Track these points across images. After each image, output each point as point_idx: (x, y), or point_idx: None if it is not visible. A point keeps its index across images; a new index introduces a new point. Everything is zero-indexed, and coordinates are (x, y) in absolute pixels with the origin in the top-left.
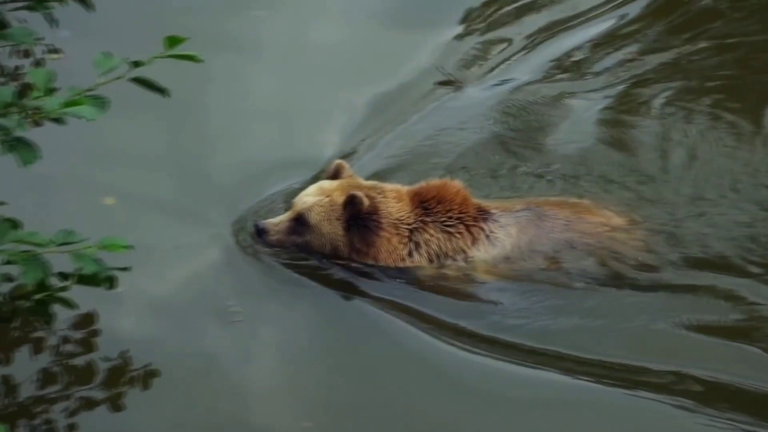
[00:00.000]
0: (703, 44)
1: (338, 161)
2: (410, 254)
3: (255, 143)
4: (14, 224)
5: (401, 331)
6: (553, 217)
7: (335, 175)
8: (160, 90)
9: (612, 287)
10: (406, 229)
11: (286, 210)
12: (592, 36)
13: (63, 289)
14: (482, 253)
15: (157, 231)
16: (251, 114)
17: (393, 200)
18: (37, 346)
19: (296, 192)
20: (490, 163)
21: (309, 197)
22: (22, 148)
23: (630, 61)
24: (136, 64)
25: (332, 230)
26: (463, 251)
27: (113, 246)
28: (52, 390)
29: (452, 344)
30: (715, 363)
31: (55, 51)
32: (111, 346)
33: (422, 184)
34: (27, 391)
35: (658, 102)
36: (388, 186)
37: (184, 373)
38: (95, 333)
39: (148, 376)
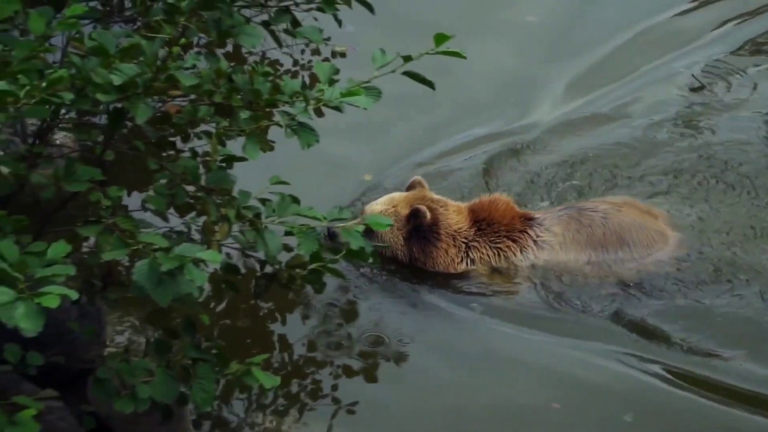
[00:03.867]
0: None
1: (416, 177)
2: (466, 266)
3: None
4: (295, 200)
5: None
6: (592, 209)
7: (410, 188)
8: (428, 83)
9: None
10: (463, 243)
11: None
12: None
13: (334, 261)
14: (532, 258)
15: None
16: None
17: (453, 213)
18: (307, 309)
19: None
20: None
21: (377, 206)
22: (304, 132)
23: None
24: (407, 59)
25: (394, 239)
26: (514, 262)
27: (378, 224)
28: (318, 353)
29: None
30: None
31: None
32: (367, 319)
33: (475, 200)
34: (298, 351)
35: None
36: (451, 201)
37: (430, 360)
38: (353, 305)
39: (398, 359)
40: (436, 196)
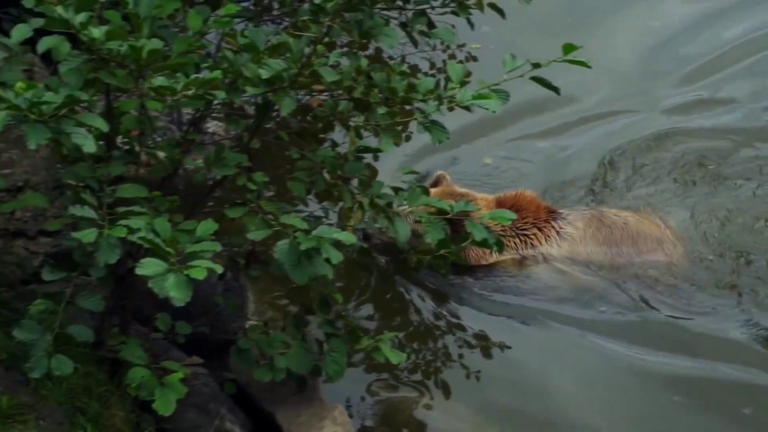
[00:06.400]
0: None
1: (440, 172)
2: (496, 256)
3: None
4: (425, 190)
5: None
6: (615, 214)
7: (435, 184)
8: (554, 88)
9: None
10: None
11: None
12: None
13: (461, 248)
14: (555, 247)
15: None
16: None
17: (483, 208)
18: (434, 292)
19: None
20: None
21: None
22: (436, 130)
23: None
24: (536, 65)
25: None
26: (540, 250)
27: (501, 218)
28: (439, 330)
29: None
30: None
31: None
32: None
33: (500, 194)
34: (426, 330)
35: None
36: (478, 195)
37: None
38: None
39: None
40: (463, 190)
